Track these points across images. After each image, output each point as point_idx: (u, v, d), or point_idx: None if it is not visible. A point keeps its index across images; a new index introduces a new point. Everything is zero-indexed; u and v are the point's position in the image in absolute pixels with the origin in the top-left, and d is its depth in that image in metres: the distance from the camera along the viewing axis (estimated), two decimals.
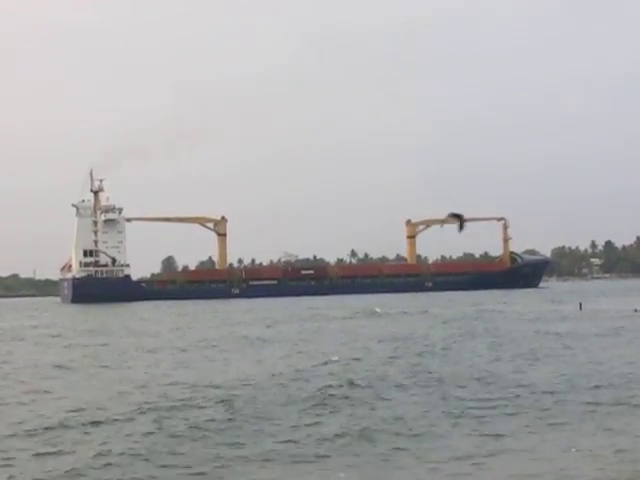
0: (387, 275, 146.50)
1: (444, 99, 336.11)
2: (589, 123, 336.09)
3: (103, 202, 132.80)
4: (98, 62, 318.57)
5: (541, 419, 17.20)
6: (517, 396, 20.03)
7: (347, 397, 20.51)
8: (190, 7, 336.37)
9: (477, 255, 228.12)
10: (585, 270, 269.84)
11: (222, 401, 20.12)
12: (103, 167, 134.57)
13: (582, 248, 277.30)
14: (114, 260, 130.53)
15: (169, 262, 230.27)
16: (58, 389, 23.80)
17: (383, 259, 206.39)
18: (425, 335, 40.03)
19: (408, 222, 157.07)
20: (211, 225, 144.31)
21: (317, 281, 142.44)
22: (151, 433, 16.51)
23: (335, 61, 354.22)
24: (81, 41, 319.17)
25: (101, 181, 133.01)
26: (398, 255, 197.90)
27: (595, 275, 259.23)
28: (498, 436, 15.65)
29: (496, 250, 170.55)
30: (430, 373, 24.85)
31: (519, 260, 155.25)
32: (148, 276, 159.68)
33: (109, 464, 14.08)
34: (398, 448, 14.91)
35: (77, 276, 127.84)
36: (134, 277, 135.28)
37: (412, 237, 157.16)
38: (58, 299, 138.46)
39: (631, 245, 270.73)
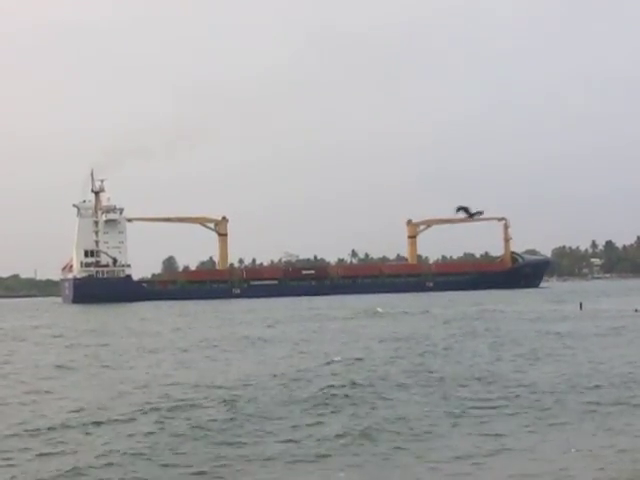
0: (388, 275, 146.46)
1: (444, 99, 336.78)
2: (589, 123, 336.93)
3: (104, 202, 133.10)
4: (98, 62, 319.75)
5: (541, 419, 17.22)
6: (517, 396, 20.05)
7: (348, 397, 20.52)
8: (190, 7, 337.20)
9: (478, 255, 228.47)
10: (585, 270, 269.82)
11: (223, 401, 20.14)
12: (104, 167, 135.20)
13: (582, 248, 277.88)
14: (115, 260, 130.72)
15: (170, 262, 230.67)
16: (59, 389, 23.81)
17: (384, 259, 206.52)
18: (426, 335, 40.04)
19: (409, 222, 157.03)
20: (212, 225, 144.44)
21: (318, 281, 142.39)
22: (152, 433, 16.54)
23: (335, 61, 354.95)
24: (81, 41, 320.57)
25: (102, 181, 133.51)
26: (399, 255, 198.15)
27: (595, 275, 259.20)
28: (498, 436, 15.67)
29: (497, 250, 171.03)
30: (431, 373, 24.88)
31: (520, 260, 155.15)
32: (149, 276, 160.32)
33: (111, 464, 14.11)
34: (399, 448, 14.94)
35: (78, 276, 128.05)
36: (135, 277, 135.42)
37: (413, 237, 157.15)
38: (59, 299, 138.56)
39: (631, 245, 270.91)
